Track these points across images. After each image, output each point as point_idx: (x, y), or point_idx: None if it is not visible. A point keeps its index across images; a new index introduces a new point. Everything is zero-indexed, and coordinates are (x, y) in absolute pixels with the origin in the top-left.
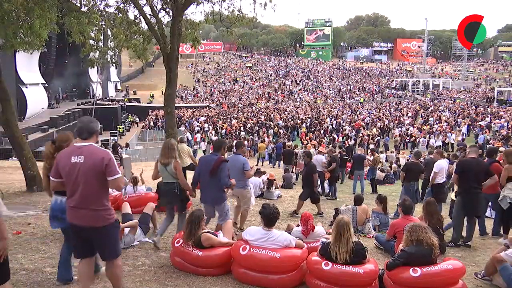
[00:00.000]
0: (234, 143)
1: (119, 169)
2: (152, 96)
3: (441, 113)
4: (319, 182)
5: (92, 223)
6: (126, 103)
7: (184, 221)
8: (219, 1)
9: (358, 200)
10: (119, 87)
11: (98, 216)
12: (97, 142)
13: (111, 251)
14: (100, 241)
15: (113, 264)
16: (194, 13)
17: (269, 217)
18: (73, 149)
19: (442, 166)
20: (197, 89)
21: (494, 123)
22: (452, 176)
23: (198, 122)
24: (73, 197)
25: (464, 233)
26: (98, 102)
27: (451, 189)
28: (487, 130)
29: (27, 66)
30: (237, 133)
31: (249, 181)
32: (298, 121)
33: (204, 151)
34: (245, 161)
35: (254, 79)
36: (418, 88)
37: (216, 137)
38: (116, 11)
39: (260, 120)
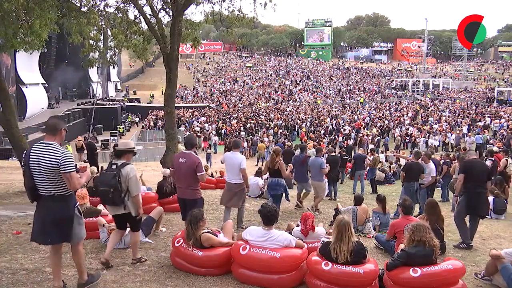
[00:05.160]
0: (315, 148)
1: (203, 169)
2: (152, 96)
3: (441, 113)
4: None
5: (189, 197)
6: (126, 103)
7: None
8: (219, 1)
9: (358, 200)
10: (119, 87)
11: (193, 193)
12: (195, 151)
13: None
14: (193, 207)
15: None
16: (194, 13)
17: (268, 216)
18: (182, 154)
19: (432, 168)
20: (197, 89)
21: (494, 123)
22: (458, 176)
23: (198, 122)
24: (180, 182)
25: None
26: (98, 102)
27: (451, 189)
28: (485, 130)
29: (27, 66)
30: (237, 133)
31: (324, 176)
32: (298, 121)
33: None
34: (322, 161)
35: (254, 79)
36: (418, 88)
37: (216, 136)
38: (116, 11)
39: (260, 120)
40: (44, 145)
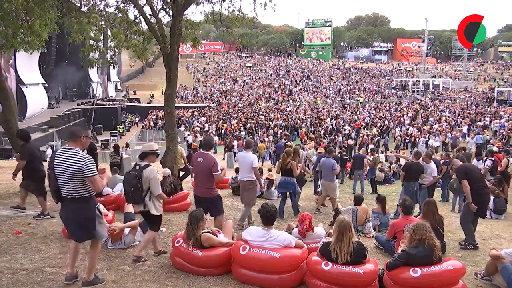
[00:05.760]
0: (327, 150)
1: (219, 169)
2: (152, 96)
3: (441, 113)
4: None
5: (205, 195)
6: (126, 103)
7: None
8: (219, 1)
9: (358, 200)
10: (119, 87)
11: (208, 191)
12: (211, 150)
13: (217, 210)
14: (210, 205)
15: (217, 218)
16: (194, 13)
17: (267, 216)
18: (200, 154)
19: (433, 168)
20: (197, 89)
21: (494, 123)
22: (462, 183)
23: (198, 122)
24: (197, 181)
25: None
26: (98, 102)
27: (450, 189)
28: (485, 130)
29: (27, 66)
30: (237, 133)
31: (335, 176)
32: (298, 121)
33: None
34: (335, 162)
35: (254, 79)
36: (418, 88)
37: (216, 136)
38: (116, 11)
39: (260, 120)
40: (68, 150)
